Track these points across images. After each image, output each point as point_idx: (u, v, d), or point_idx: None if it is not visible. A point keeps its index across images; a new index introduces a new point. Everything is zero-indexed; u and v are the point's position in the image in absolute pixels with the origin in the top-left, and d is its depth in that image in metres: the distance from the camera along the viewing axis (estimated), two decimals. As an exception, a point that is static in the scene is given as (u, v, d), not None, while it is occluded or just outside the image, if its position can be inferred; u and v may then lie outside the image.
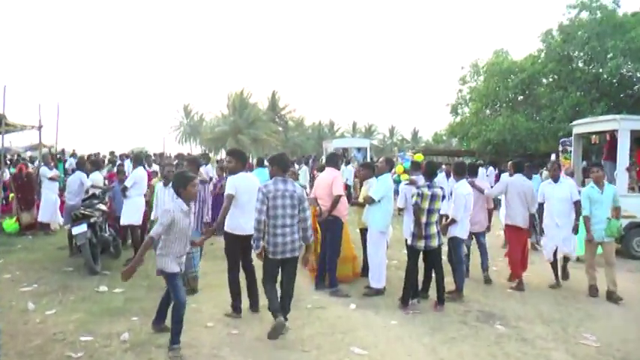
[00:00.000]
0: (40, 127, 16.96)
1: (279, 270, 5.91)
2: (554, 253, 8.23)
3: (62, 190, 12.84)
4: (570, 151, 14.71)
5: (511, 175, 9.05)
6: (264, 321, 6.22)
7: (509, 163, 10.20)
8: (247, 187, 6.38)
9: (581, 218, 7.84)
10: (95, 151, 25.40)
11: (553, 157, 20.46)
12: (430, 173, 7.17)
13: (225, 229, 6.50)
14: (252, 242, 5.84)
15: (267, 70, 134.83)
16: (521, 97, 28.58)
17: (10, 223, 12.38)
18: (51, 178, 12.52)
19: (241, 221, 6.32)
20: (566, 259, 8.34)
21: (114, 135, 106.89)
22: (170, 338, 5.20)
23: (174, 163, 11.62)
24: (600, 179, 7.78)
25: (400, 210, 8.25)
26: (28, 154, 22.72)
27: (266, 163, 10.55)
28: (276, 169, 5.90)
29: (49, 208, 12.35)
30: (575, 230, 8.05)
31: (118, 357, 5.17)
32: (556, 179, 8.27)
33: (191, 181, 5.26)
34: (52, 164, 15.12)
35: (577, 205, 7.97)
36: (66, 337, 5.70)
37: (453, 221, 7.45)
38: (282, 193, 5.67)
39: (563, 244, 8.09)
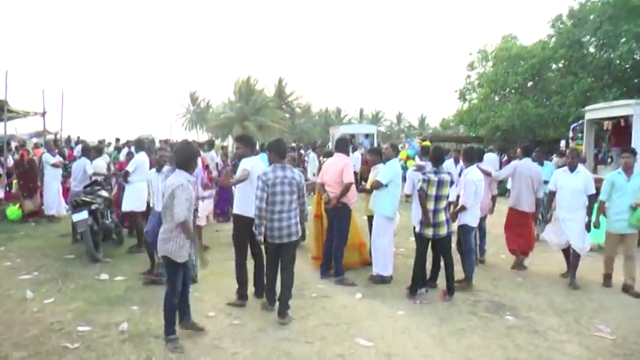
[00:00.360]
0: (43, 114, 16.85)
1: (279, 255, 5.94)
2: (568, 248, 7.73)
3: (66, 177, 12.69)
4: (581, 137, 14.41)
5: (520, 159, 8.86)
6: (267, 311, 6.09)
7: (518, 149, 9.99)
8: (258, 171, 6.23)
9: (594, 209, 7.48)
10: (101, 138, 25.33)
11: (562, 143, 20.13)
12: (437, 159, 6.93)
13: (236, 211, 6.48)
14: (253, 229, 5.83)
15: (273, 57, 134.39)
16: (531, 82, 28.17)
17: (13, 210, 12.27)
18: (54, 165, 12.38)
19: (251, 204, 6.13)
20: (576, 258, 7.50)
21: (121, 122, 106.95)
22: (164, 329, 5.04)
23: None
24: (630, 166, 7.33)
25: (407, 196, 8.05)
26: (34, 140, 22.61)
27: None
28: (274, 155, 5.91)
29: (52, 199, 12.21)
30: (588, 227, 7.40)
31: (115, 348, 5.00)
32: (572, 168, 7.51)
33: (199, 154, 5.13)
34: (56, 151, 15.02)
35: (591, 199, 7.40)
36: (63, 326, 5.56)
37: (463, 208, 7.21)
38: (281, 180, 5.72)
39: (573, 238, 7.42)
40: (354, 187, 7.60)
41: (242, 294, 6.42)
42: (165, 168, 7.08)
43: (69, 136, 25.63)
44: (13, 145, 19.18)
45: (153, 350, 4.94)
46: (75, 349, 4.98)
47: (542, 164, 9.89)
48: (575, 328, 5.80)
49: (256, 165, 6.41)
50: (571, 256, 7.61)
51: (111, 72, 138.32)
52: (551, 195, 7.85)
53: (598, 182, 7.75)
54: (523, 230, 8.44)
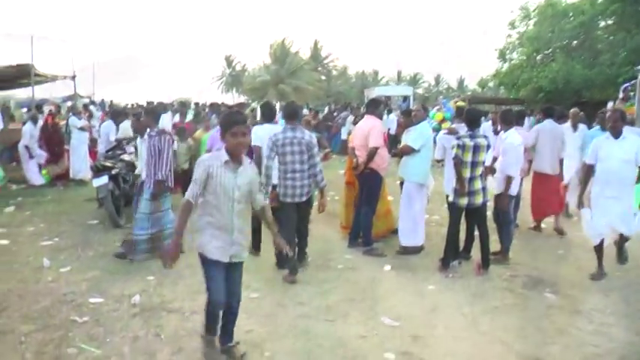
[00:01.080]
0: (73, 77, 16.79)
1: (296, 215, 6.06)
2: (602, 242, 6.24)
3: (94, 141, 12.57)
4: (633, 97, 13.45)
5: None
6: (287, 284, 5.79)
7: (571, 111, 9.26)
8: (264, 137, 6.26)
9: None
10: (133, 102, 25.30)
11: (610, 105, 19.03)
12: (472, 121, 6.36)
13: None
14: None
15: (309, 19, 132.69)
16: (576, 41, 26.77)
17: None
18: (81, 128, 12.25)
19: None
20: (623, 237, 6.26)
21: (157, 86, 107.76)
22: (204, 328, 4.18)
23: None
24: None
25: (438, 161, 7.55)
26: (69, 104, 22.72)
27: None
28: (285, 118, 6.15)
29: (80, 162, 12.09)
30: None
31: (124, 323, 4.74)
32: (617, 134, 6.02)
33: (232, 126, 3.72)
34: (86, 114, 14.92)
35: None
36: (75, 298, 5.33)
37: (510, 179, 6.58)
38: (290, 140, 5.85)
39: (618, 221, 6.01)
40: (383, 152, 7.12)
41: (255, 245, 6.74)
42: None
43: (102, 100, 25.75)
44: (46, 109, 19.28)
45: (162, 326, 4.66)
46: (83, 323, 4.74)
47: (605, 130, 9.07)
48: (623, 309, 5.26)
49: (265, 133, 6.32)
50: (617, 240, 6.31)
51: (147, 36, 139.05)
52: (589, 169, 6.32)
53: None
54: (549, 195, 8.02)
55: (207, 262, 3.87)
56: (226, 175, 3.75)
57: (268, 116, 6.88)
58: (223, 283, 3.89)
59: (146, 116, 6.92)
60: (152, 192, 6.49)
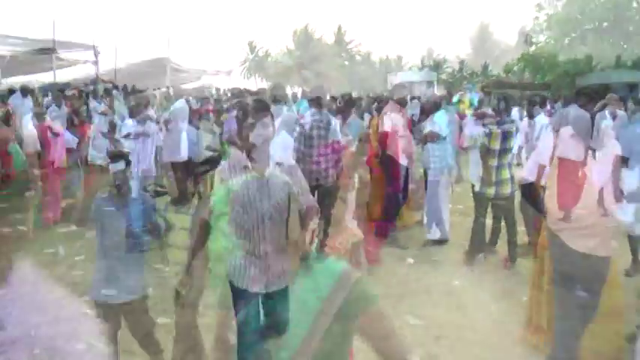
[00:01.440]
0: (95, 62, 16.80)
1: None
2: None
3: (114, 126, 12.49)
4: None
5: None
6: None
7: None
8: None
9: None
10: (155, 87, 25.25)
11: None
12: (503, 108, 6.08)
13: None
14: None
15: (333, 4, 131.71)
16: (606, 23, 26.05)
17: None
18: (102, 113, 12.16)
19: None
20: None
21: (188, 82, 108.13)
22: None
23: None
24: None
25: (463, 148, 7.31)
26: (91, 88, 22.77)
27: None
28: (312, 103, 6.30)
29: (100, 147, 12.02)
30: None
31: (135, 318, 4.59)
32: None
33: (251, 116, 3.35)
34: (107, 99, 14.86)
35: None
36: (87, 289, 5.19)
37: (543, 167, 6.29)
38: (317, 124, 6.02)
39: None
40: (403, 139, 6.91)
41: None
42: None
43: (125, 85, 25.72)
44: (69, 93, 19.33)
45: (171, 328, 4.47)
46: (95, 314, 4.61)
47: None
48: (663, 311, 4.94)
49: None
50: None
51: (167, 22, 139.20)
52: (620, 162, 5.65)
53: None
54: (572, 185, 7.59)
55: (236, 294, 3.12)
56: (251, 184, 3.06)
57: (283, 98, 7.17)
58: (257, 323, 3.07)
59: (135, 103, 6.84)
60: (139, 181, 6.42)
